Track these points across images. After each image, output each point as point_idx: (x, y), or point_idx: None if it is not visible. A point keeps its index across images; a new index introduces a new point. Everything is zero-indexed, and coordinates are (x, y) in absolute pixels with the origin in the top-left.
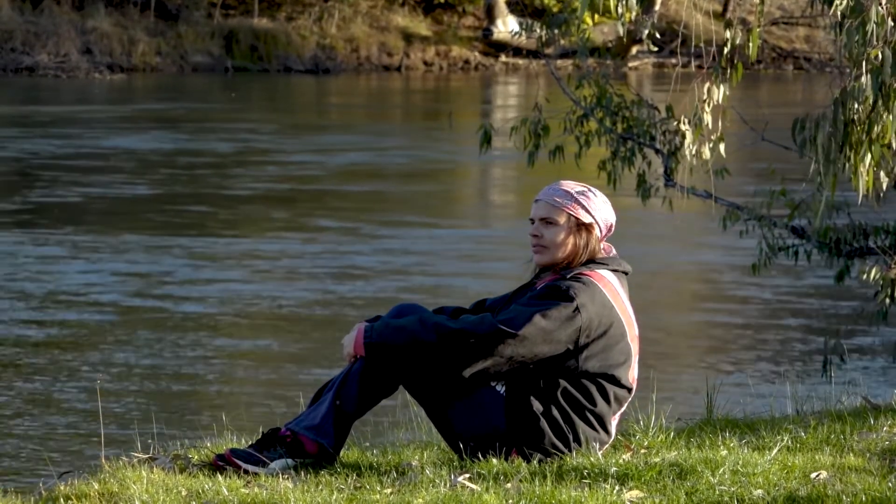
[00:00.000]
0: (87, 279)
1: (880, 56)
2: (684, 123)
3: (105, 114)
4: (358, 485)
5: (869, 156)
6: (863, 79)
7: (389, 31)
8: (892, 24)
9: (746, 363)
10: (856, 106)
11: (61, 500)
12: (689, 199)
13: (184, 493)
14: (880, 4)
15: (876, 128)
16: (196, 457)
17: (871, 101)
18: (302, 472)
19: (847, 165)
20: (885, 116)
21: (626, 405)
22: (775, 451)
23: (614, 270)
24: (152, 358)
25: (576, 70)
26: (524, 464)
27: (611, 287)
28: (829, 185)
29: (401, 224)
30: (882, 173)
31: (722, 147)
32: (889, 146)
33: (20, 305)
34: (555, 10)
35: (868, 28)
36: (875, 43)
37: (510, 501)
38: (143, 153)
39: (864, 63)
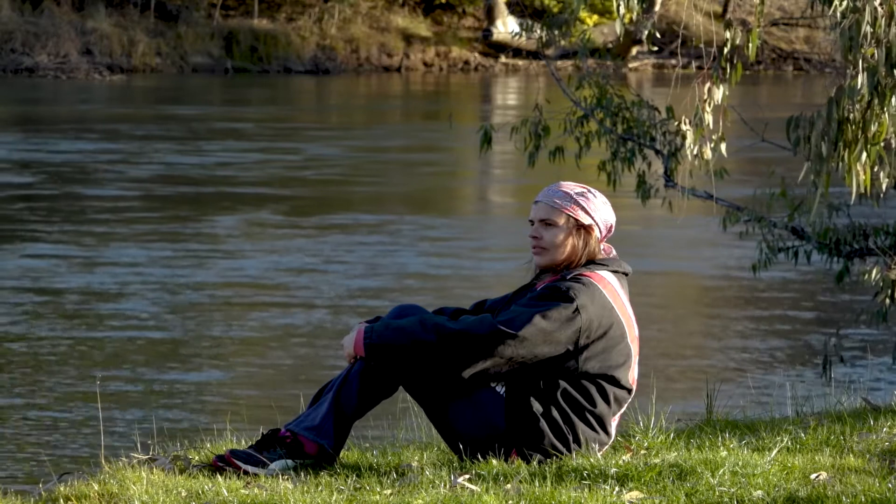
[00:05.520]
0: (91, 280)
1: (876, 55)
2: (685, 124)
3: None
4: (358, 486)
5: (864, 154)
6: (858, 77)
7: (389, 31)
8: (887, 23)
9: (746, 364)
10: (850, 104)
11: (61, 500)
12: (689, 199)
13: (183, 494)
14: (880, 5)
15: (872, 126)
16: (196, 458)
17: (866, 99)
18: (302, 473)
19: (841, 164)
20: (882, 116)
21: (625, 406)
22: (775, 452)
23: (614, 271)
24: (152, 357)
25: (576, 71)
26: (524, 465)
27: (611, 288)
28: (823, 183)
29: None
30: (882, 174)
31: (723, 147)
32: (888, 146)
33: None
34: (555, 10)
35: (863, 28)
36: (870, 42)
37: (510, 502)
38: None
39: (859, 62)
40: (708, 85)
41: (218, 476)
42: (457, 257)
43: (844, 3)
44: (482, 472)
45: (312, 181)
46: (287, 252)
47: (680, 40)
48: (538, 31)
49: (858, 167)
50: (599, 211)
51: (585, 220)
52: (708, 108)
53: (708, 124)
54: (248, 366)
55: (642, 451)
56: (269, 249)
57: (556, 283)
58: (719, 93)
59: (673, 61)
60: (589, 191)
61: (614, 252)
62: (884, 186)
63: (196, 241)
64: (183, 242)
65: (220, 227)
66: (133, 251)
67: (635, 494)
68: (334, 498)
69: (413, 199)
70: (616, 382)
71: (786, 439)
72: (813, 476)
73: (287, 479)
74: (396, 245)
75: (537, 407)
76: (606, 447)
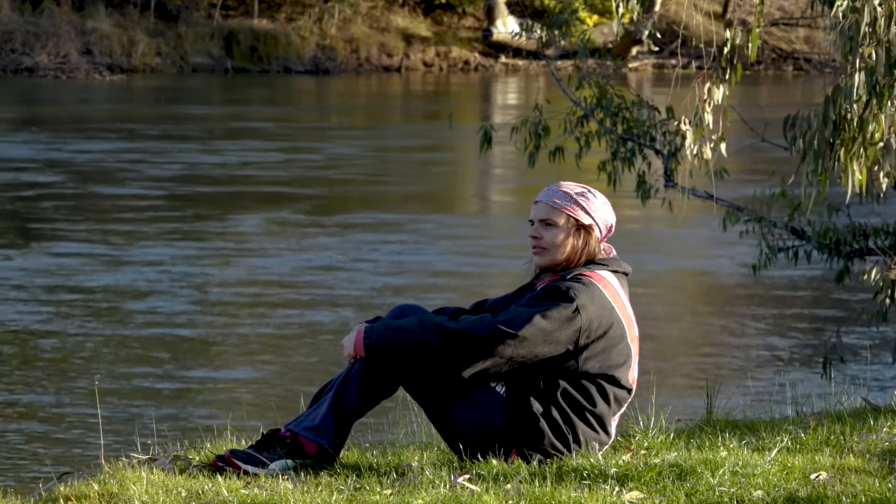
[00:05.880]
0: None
1: (874, 55)
2: (685, 124)
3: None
4: (358, 486)
5: (862, 152)
6: (856, 77)
7: (389, 31)
8: (886, 24)
9: (746, 364)
10: (847, 104)
11: (61, 500)
12: (689, 199)
13: (183, 494)
14: (879, 5)
15: (870, 126)
16: (196, 458)
17: (864, 99)
18: (302, 473)
19: (836, 164)
20: (880, 116)
21: (625, 406)
22: (775, 452)
23: (614, 271)
24: (151, 357)
25: (576, 71)
26: (524, 465)
27: (611, 288)
28: (820, 182)
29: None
30: (881, 174)
31: (723, 147)
32: (887, 147)
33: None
34: (555, 10)
35: (862, 28)
36: (869, 42)
37: (510, 502)
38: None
39: (857, 62)
40: (708, 85)
41: (218, 476)
42: (480, 255)
43: (844, 3)
44: (482, 472)
45: (332, 180)
46: (311, 250)
47: (680, 40)
48: (538, 31)
49: (855, 166)
50: (599, 211)
51: (585, 220)
52: (708, 108)
53: (708, 124)
54: (274, 364)
55: (642, 451)
56: (293, 248)
57: (555, 283)
58: (719, 93)
59: (673, 61)
60: (589, 191)
61: (614, 252)
62: (883, 186)
63: (220, 240)
64: (207, 241)
65: (243, 225)
66: (158, 250)
67: (635, 494)
68: (334, 498)
69: (429, 198)
70: (616, 382)
71: (786, 439)
72: (813, 476)
73: (287, 479)
74: (419, 243)
75: (537, 407)
76: (606, 447)
